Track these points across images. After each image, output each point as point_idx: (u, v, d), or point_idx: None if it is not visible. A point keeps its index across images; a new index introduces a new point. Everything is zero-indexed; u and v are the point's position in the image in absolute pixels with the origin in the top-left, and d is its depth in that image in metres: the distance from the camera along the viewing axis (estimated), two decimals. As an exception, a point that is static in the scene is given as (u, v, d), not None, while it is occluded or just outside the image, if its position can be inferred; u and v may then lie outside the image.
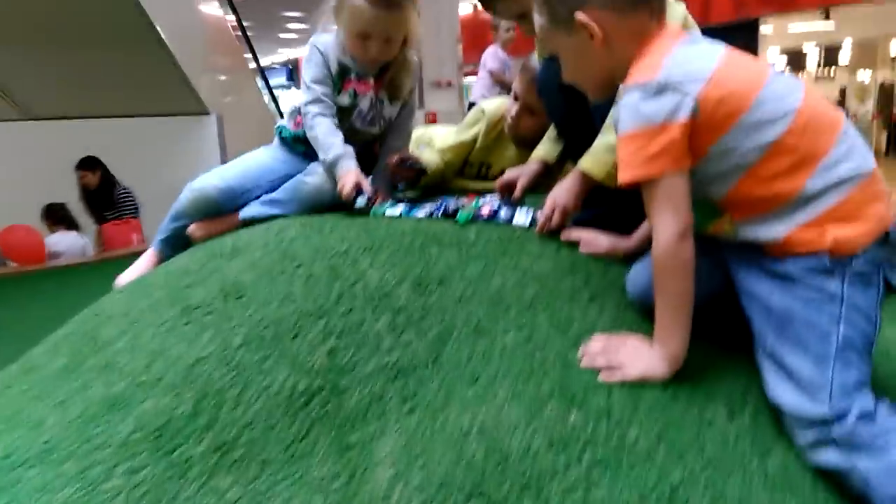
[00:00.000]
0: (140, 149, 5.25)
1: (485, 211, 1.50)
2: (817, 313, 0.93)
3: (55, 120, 5.26)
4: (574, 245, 1.37)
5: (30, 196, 4.57)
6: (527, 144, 1.89)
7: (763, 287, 1.00)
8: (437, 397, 0.99)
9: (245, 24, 6.72)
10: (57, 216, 4.67)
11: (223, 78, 6.34)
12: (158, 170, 4.99)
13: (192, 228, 1.68)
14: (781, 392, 0.95)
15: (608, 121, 1.36)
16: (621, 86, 1.05)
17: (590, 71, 1.11)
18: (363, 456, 0.90)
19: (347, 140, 1.62)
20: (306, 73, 1.66)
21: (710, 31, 1.14)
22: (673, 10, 1.24)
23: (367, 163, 1.69)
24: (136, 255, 1.82)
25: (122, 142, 5.13)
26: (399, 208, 1.54)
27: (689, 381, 1.01)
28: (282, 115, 1.97)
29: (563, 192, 1.40)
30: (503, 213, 1.50)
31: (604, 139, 1.37)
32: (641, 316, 1.15)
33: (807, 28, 9.97)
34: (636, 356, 1.02)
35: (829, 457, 0.90)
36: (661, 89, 0.95)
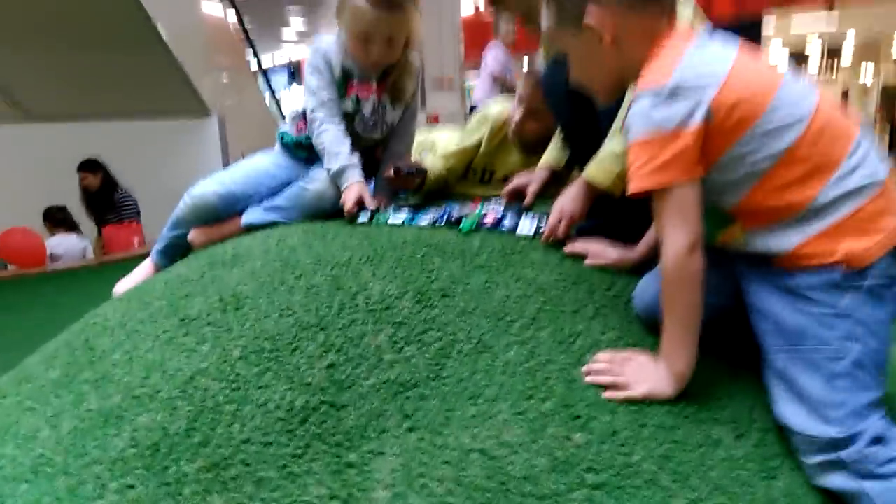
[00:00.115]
0: (141, 150, 5.26)
1: (489, 219, 1.48)
2: (829, 331, 0.91)
3: (56, 122, 5.25)
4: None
5: (30, 198, 4.56)
6: (531, 149, 1.88)
7: (774, 303, 0.98)
8: (437, 415, 0.97)
9: (246, 24, 6.71)
10: (57, 218, 4.66)
11: (225, 79, 6.33)
12: (160, 171, 5.00)
13: (193, 234, 1.67)
14: (791, 412, 0.93)
15: (614, 126, 1.34)
16: (630, 92, 1.02)
17: (598, 72, 1.08)
18: (361, 476, 0.88)
19: (351, 146, 1.61)
20: (310, 79, 1.64)
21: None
22: (681, 10, 1.22)
23: (369, 168, 1.67)
24: (137, 258, 1.82)
25: (124, 143, 5.13)
26: (402, 216, 1.52)
27: (695, 399, 0.99)
28: (283, 117, 1.95)
29: (569, 200, 1.38)
30: (507, 221, 1.48)
31: (610, 146, 1.35)
32: (646, 331, 1.13)
33: (810, 27, 9.89)
34: (642, 374, 0.99)
35: (838, 480, 0.88)
36: (673, 94, 0.93)
